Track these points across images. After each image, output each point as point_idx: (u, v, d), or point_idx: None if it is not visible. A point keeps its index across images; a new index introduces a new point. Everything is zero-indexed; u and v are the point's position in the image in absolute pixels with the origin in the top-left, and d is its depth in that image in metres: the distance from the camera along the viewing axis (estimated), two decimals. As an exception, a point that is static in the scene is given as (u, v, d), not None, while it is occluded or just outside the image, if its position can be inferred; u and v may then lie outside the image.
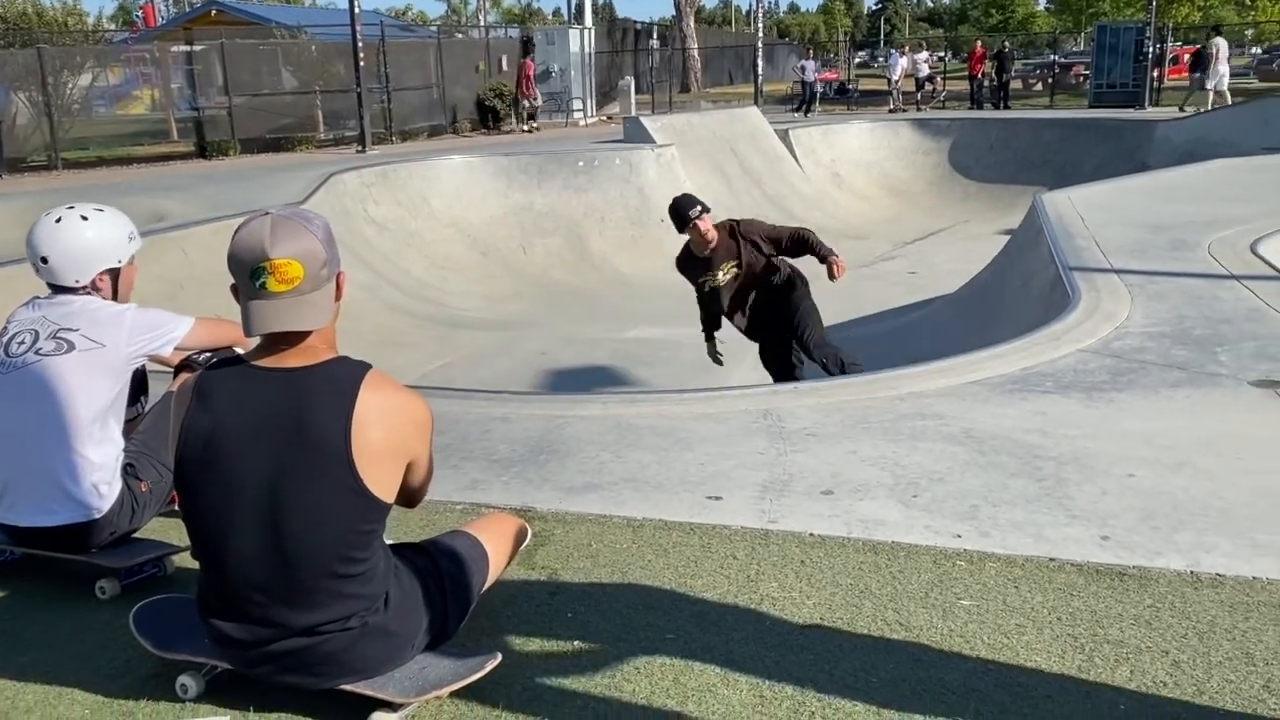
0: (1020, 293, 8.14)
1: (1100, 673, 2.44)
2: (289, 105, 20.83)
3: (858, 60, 56.13)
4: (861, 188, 21.72)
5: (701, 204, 6.19)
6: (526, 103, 24.45)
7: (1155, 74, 25.79)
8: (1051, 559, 3.01)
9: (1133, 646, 2.55)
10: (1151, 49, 24.60)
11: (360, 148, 18.76)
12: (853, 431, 4.19)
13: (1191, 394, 4.49)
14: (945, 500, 3.45)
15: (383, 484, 2.15)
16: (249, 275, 2.10)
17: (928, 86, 29.01)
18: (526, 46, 25.39)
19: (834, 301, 13.03)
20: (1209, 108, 21.64)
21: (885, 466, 3.77)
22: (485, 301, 13.10)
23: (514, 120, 24.63)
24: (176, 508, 2.48)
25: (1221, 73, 22.12)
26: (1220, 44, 22.37)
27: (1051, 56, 38.00)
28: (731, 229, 6.27)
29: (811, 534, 3.24)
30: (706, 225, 6.15)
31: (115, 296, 3.20)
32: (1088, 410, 4.34)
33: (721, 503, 3.51)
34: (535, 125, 24.24)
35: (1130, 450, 3.84)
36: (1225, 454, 3.79)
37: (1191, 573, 2.91)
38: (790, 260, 6.46)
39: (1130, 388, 4.60)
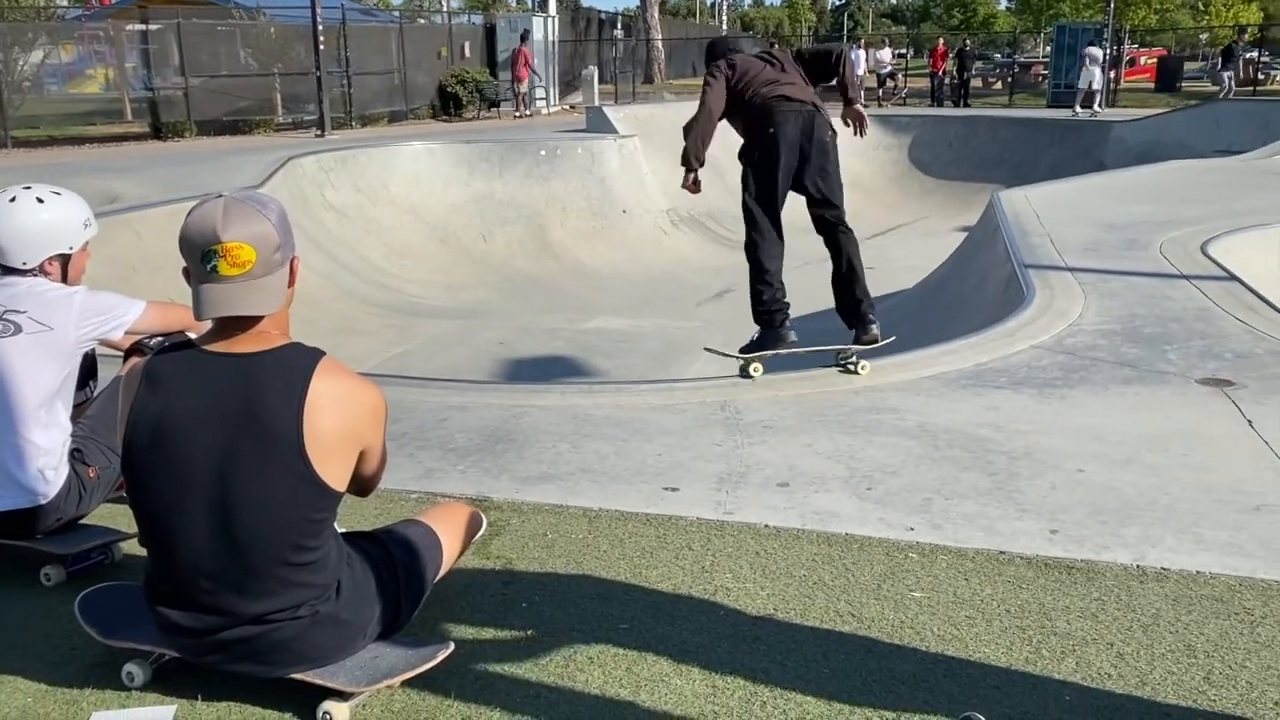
0: (976, 289, 8.23)
1: (1047, 664, 2.48)
2: (247, 87, 20.53)
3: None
4: (822, 182, 21.83)
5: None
6: (520, 87, 24.66)
7: (1112, 75, 26.14)
8: (1002, 552, 3.05)
9: (1079, 638, 2.60)
10: (1108, 50, 24.91)
11: (319, 132, 18.54)
12: (809, 424, 4.21)
13: (1141, 391, 4.57)
14: (899, 493, 3.49)
15: (335, 472, 2.13)
16: (200, 258, 2.07)
17: (889, 83, 29.22)
18: (524, 37, 25.65)
19: (792, 294, 13.16)
20: (1096, 108, 22.92)
21: (840, 460, 3.80)
22: (444, 290, 13.01)
23: (516, 105, 24.87)
24: (125, 494, 2.44)
25: (1094, 75, 23.37)
26: (1094, 51, 23.78)
27: (1011, 56, 38.42)
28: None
29: (767, 526, 3.26)
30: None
31: (64, 281, 3.14)
32: (1040, 406, 4.40)
33: (678, 494, 3.52)
34: (529, 111, 24.34)
35: (1080, 446, 3.90)
36: (1172, 451, 3.86)
37: (1137, 566, 2.96)
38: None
39: (1082, 384, 4.67)
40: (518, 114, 24.29)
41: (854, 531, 3.20)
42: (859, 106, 5.64)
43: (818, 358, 5.23)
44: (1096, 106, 23.01)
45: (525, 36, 25.60)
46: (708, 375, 8.40)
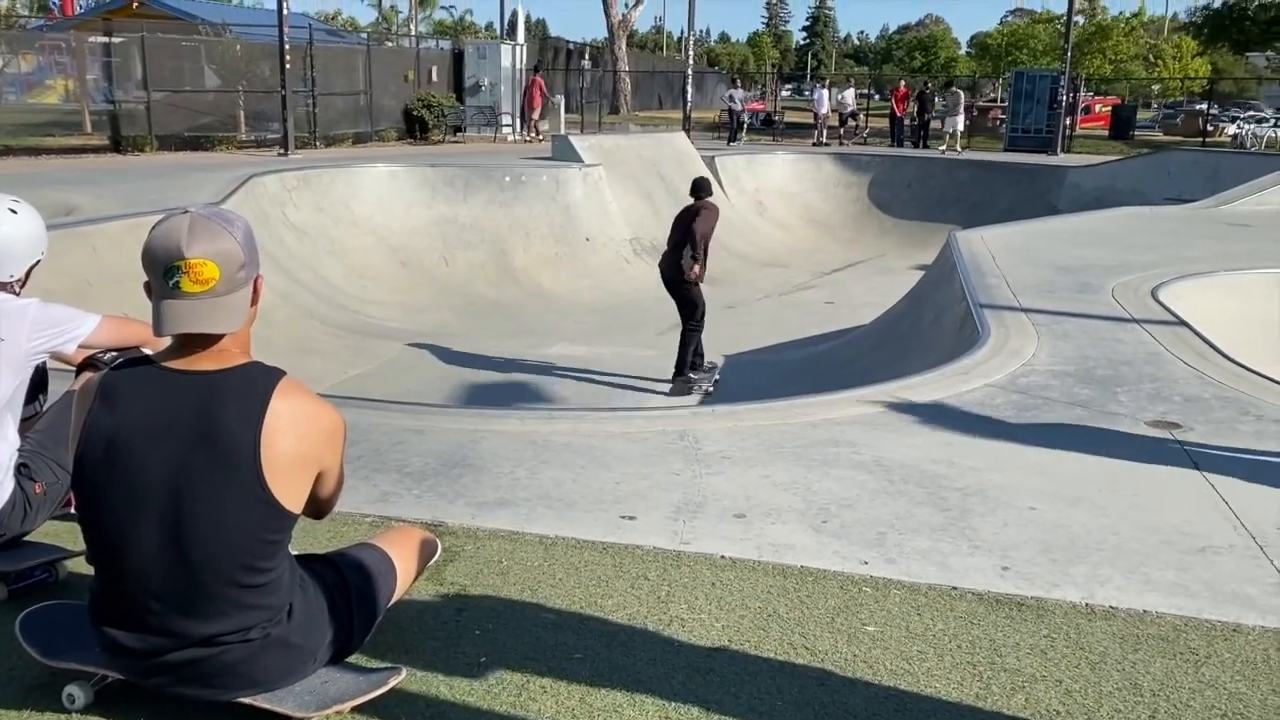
0: (932, 327, 8.33)
1: (997, 700, 2.50)
2: (211, 104, 20.39)
3: (785, 92, 57.08)
4: (783, 218, 22.04)
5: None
6: (534, 114, 25.40)
7: (1068, 121, 26.70)
8: (954, 588, 3.08)
9: (1028, 675, 2.62)
10: (1065, 97, 25.47)
11: (282, 151, 18.42)
12: (767, 456, 4.23)
13: (1092, 432, 4.64)
14: (854, 527, 3.51)
15: (291, 493, 2.11)
16: (163, 274, 2.05)
17: (851, 122, 29.62)
18: (537, 67, 26.66)
19: (753, 327, 13.32)
20: (958, 149, 25.22)
21: (797, 492, 3.82)
22: (403, 312, 12.94)
23: (526, 129, 25.53)
24: (72, 511, 2.39)
25: (958, 120, 25.96)
26: (960, 95, 26.68)
27: (970, 99, 39.07)
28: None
29: (723, 556, 3.26)
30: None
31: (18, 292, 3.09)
32: (993, 444, 4.45)
33: (635, 523, 3.51)
34: (539, 136, 24.85)
35: (1032, 484, 3.95)
36: (1121, 491, 3.92)
37: (1086, 604, 3.00)
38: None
39: (1034, 423, 4.74)
40: (528, 138, 24.90)
41: (809, 564, 3.21)
42: (692, 270, 9.32)
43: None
44: (958, 146, 25.47)
45: (538, 68, 26.84)
46: (668, 405, 8.43)
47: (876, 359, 8.93)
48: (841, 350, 10.47)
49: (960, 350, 6.19)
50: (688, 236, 9.30)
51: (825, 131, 28.21)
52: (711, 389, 9.49)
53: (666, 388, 9.48)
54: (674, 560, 3.23)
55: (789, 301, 15.50)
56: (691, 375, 9.55)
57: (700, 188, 9.63)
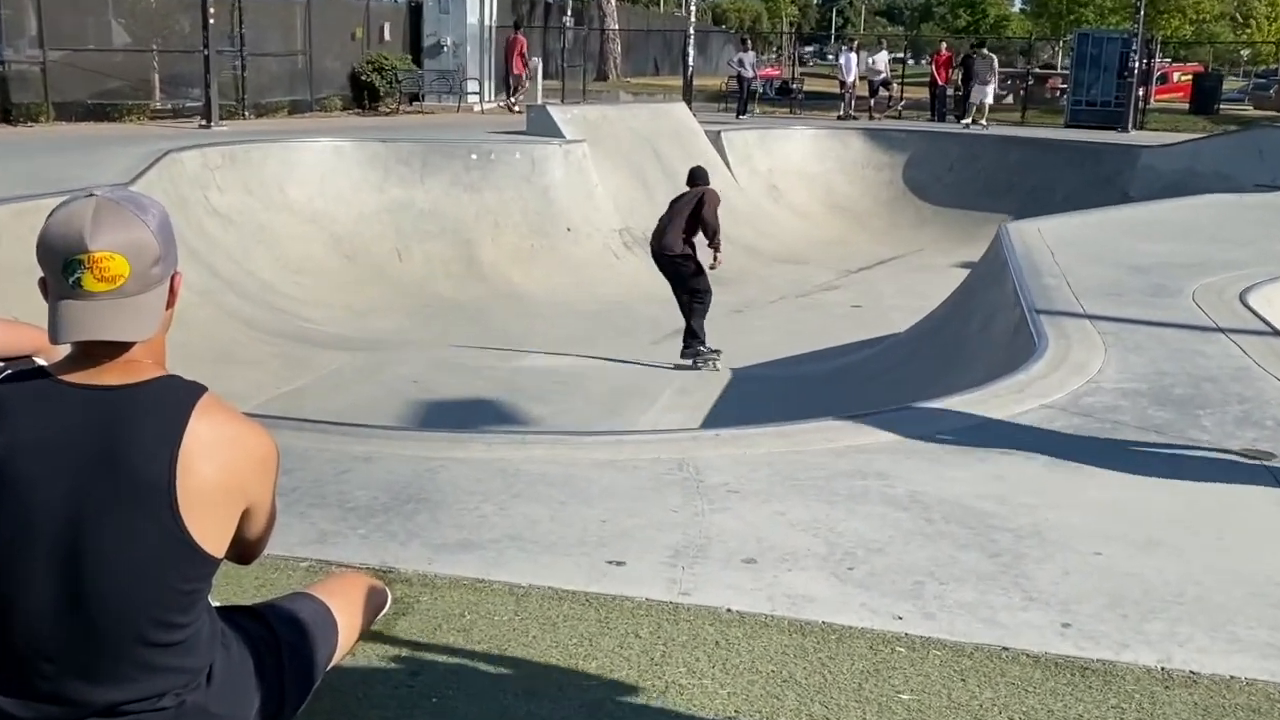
0: (979, 336, 8.35)
1: (1056, 783, 2.50)
2: (119, 65, 20.35)
3: (804, 55, 57.31)
4: (802, 204, 22.12)
5: None
6: (523, 79, 25.69)
7: (1141, 92, 26.85)
8: (1005, 648, 3.08)
9: (1094, 753, 2.62)
10: (1138, 64, 25.61)
11: (205, 122, 18.41)
12: (782, 489, 4.23)
13: (1168, 462, 4.65)
14: (885, 574, 3.51)
15: (212, 533, 2.10)
16: (62, 269, 2.04)
17: (883, 92, 29.74)
18: (518, 25, 26.85)
19: (765, 335, 13.35)
20: (984, 123, 25.24)
21: (818, 532, 3.82)
22: (348, 314, 12.94)
23: (508, 94, 25.78)
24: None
25: (986, 90, 25.87)
26: (991, 59, 26.78)
27: (1025, 66, 39.32)
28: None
29: (729, 610, 3.25)
30: None
31: None
32: (1051, 476, 4.46)
33: (624, 569, 3.51)
34: (515, 104, 25.02)
35: (1098, 524, 3.96)
36: (1204, 532, 3.92)
37: (1162, 669, 3.00)
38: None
39: (1100, 452, 4.74)
40: (516, 107, 24.96)
41: (832, 619, 3.21)
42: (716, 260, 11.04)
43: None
44: (984, 120, 25.53)
45: (519, 25, 27.05)
46: (663, 427, 8.43)
47: (912, 374, 8.95)
48: (871, 363, 10.49)
49: (1013, 364, 6.20)
50: (695, 223, 10.63)
51: (853, 103, 28.31)
52: (718, 368, 11.00)
53: (661, 407, 9.49)
54: (671, 614, 3.23)
55: (808, 304, 15.53)
56: (702, 348, 11.05)
57: (698, 176, 11.14)
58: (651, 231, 11.41)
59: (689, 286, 10.99)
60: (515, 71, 25.96)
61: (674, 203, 11.14)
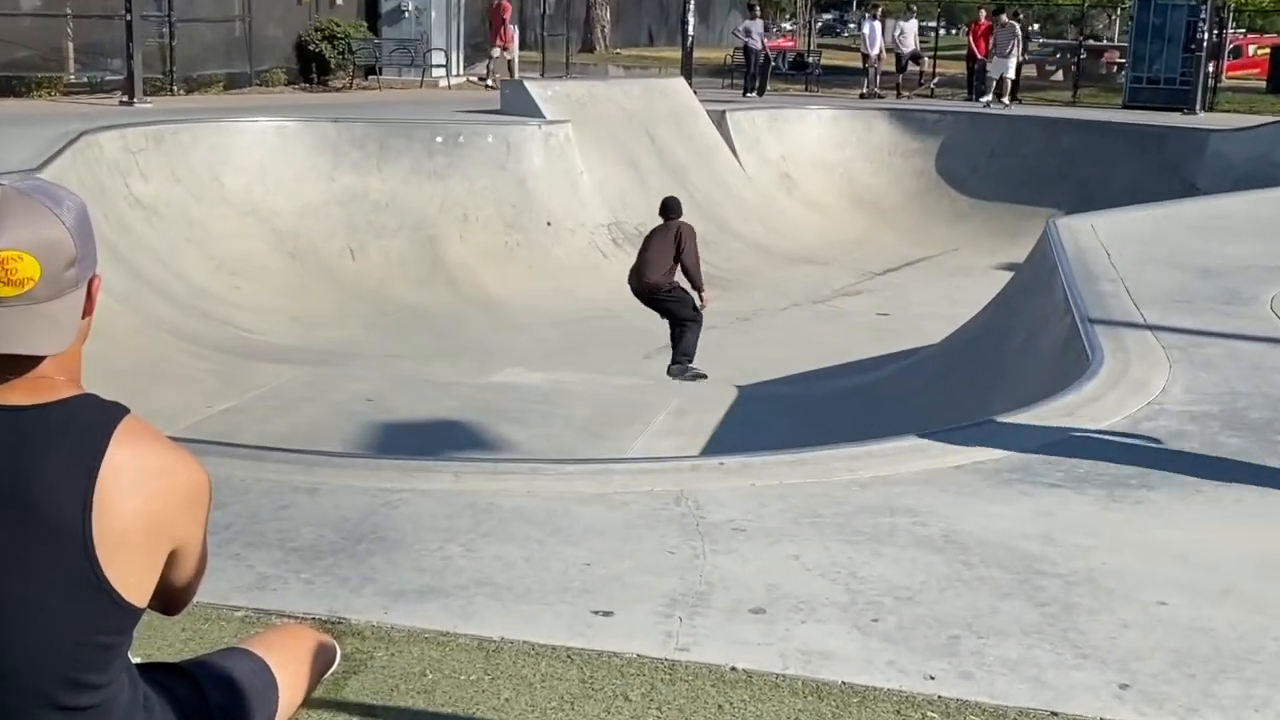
0: (1023, 351, 8.37)
1: None
2: (26, 32, 20.35)
3: (821, 25, 57.48)
4: (819, 196, 22.17)
5: None
6: (497, 51, 25.91)
7: (1211, 68, 26.93)
8: (1054, 713, 3.07)
9: (1157, 836, 2.62)
10: (1207, 35, 25.70)
11: (127, 98, 18.40)
12: (796, 527, 4.23)
13: (1244, 497, 4.65)
14: (916, 627, 3.50)
15: (133, 579, 2.09)
16: (-42, 271, 2.04)
17: (913, 67, 29.84)
18: None
19: (776, 348, 13.36)
20: (1006, 101, 25.32)
21: (838, 578, 3.82)
22: (292, 322, 12.93)
23: (488, 72, 25.80)
24: None
25: (1008, 63, 25.67)
26: (1013, 26, 26.43)
27: (1077, 37, 39.48)
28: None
29: (734, 669, 3.25)
30: None
31: None
32: (1107, 513, 4.46)
33: (613, 620, 3.50)
34: (490, 83, 25.06)
35: (1161, 569, 3.96)
36: (1284, 579, 3.93)
37: (1236, 737, 3.00)
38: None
39: (1165, 484, 4.75)
40: (490, 83, 25.11)
41: (854, 679, 3.20)
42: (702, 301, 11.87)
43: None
44: (1005, 99, 25.54)
45: None
46: (658, 454, 8.43)
47: (946, 394, 8.96)
48: (897, 381, 10.50)
49: (1063, 382, 6.20)
50: (676, 259, 11.59)
51: (877, 79, 28.41)
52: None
53: (655, 431, 9.49)
54: (666, 673, 3.22)
55: (826, 312, 15.56)
56: (690, 366, 11.64)
57: (671, 207, 11.95)
58: (630, 268, 12.12)
59: (680, 318, 11.80)
60: (503, 41, 26.07)
61: (649, 238, 12.09)
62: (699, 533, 4.16)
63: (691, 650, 3.34)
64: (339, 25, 25.21)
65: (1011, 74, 26.01)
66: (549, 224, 16.72)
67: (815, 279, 17.52)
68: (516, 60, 26.92)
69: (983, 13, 29.65)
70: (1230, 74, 33.50)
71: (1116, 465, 4.95)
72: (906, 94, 28.16)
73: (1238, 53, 37.93)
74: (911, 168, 22.85)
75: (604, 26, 41.68)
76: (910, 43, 29.83)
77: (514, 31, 26.41)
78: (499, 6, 25.84)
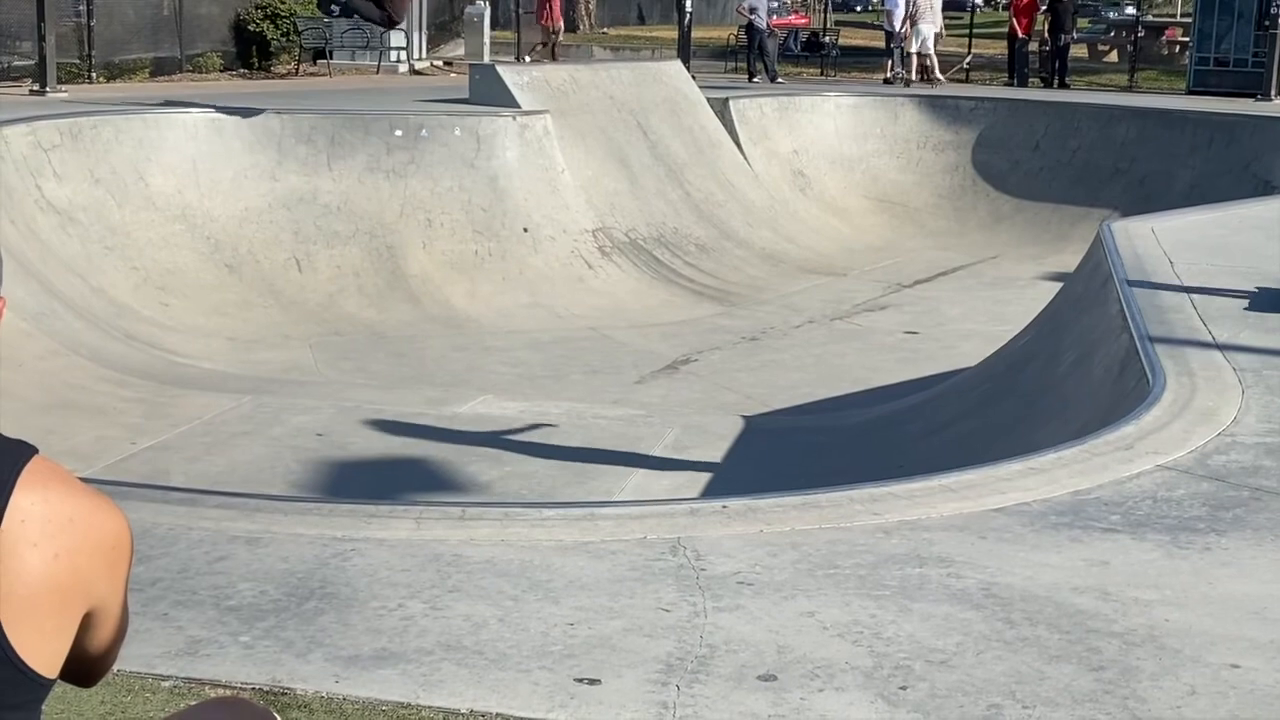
0: (1074, 374, 8.37)
1: None
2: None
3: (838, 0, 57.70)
4: (838, 197, 22.19)
5: None
6: (555, 27, 27.11)
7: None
8: (1111, 795, 3.07)
9: None
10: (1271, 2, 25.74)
11: (38, 87, 18.43)
12: (811, 580, 4.22)
13: (1328, 542, 4.66)
14: (951, 696, 3.50)
15: (42, 646, 2.08)
16: None
17: (941, 46, 29.89)
18: None
19: (790, 372, 13.34)
20: (939, 77, 25.79)
21: (860, 639, 3.81)
22: (230, 345, 12.91)
23: (535, 49, 26.74)
24: None
25: (924, 33, 26.06)
26: None
27: (1132, 12, 39.64)
28: None
29: (740, 744, 3.25)
30: None
31: None
32: (1171, 562, 4.46)
33: (599, 689, 3.50)
34: (537, 57, 25.90)
35: (1234, 627, 3.96)
36: (1376, 637, 3.93)
37: (1322, 822, 3.00)
38: None
39: (1237, 528, 4.75)
40: (529, 57, 26.02)
41: (879, 757, 3.20)
42: None
43: None
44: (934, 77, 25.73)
45: None
46: (651, 496, 8.42)
47: (985, 425, 8.95)
48: (929, 410, 10.50)
49: (1119, 411, 6.21)
50: None
51: (904, 61, 28.48)
52: None
53: (649, 469, 9.47)
54: (661, 750, 3.22)
55: (846, 330, 15.56)
56: None
57: None
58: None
59: None
60: (554, 19, 27.21)
61: None
62: (699, 587, 4.15)
63: (691, 724, 3.34)
64: (283, 2, 25.24)
65: (932, 41, 26.24)
66: (525, 230, 16.70)
67: (833, 292, 17.53)
68: (469, 41, 27.17)
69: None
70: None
71: (1181, 507, 4.95)
72: (938, 78, 28.21)
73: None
74: (944, 163, 22.86)
75: (589, 2, 41.83)
76: (939, 19, 29.87)
77: (472, 6, 26.73)
78: None
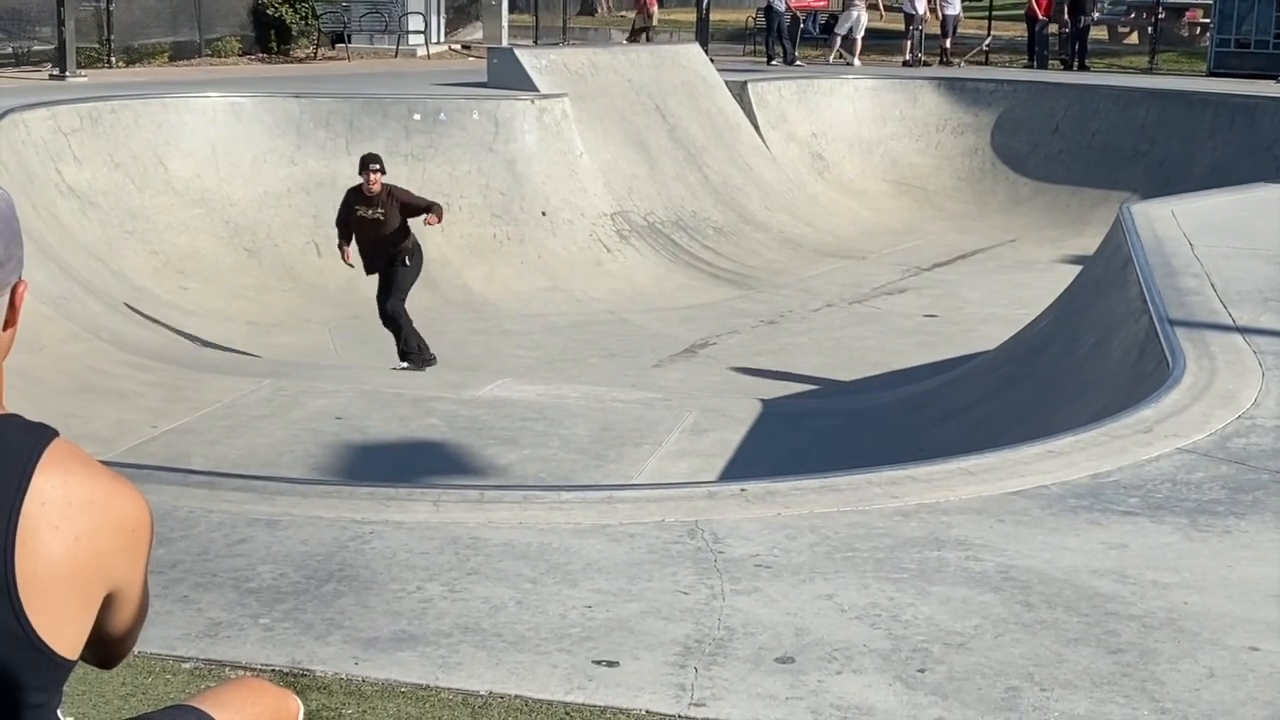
0: (1093, 357, 8.35)
1: None
2: (-60, -3, 20.45)
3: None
4: (856, 180, 22.15)
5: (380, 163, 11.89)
6: (641, 19, 27.43)
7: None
8: (1129, 777, 3.07)
9: None
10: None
11: (58, 71, 18.45)
12: (829, 564, 4.22)
13: (1348, 525, 4.64)
14: (969, 678, 3.50)
15: (63, 628, 2.09)
16: None
17: (961, 28, 29.74)
18: None
19: (808, 356, 13.32)
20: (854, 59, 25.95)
21: (878, 622, 3.81)
22: (249, 328, 12.93)
23: (635, 35, 27.06)
24: None
25: (855, 18, 26.52)
26: None
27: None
28: (390, 189, 11.87)
29: (758, 727, 3.25)
30: (375, 180, 11.68)
31: None
32: (1190, 545, 4.45)
33: (617, 671, 3.50)
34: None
35: (1253, 610, 3.95)
36: (1396, 620, 3.92)
37: (1341, 805, 2.99)
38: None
39: (1257, 511, 4.73)
40: (628, 38, 26.65)
41: (897, 739, 3.20)
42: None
43: None
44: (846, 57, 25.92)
45: None
46: (669, 479, 8.43)
47: (1004, 408, 8.94)
48: (948, 393, 10.48)
49: (1138, 394, 6.19)
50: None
51: (923, 43, 28.38)
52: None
53: (667, 452, 9.48)
54: (680, 732, 3.22)
55: (864, 314, 15.54)
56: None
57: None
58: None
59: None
60: (648, 6, 27.38)
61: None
62: (717, 570, 4.15)
63: (708, 705, 3.34)
64: (301, -14, 25.25)
65: (861, 31, 26.46)
66: (543, 213, 16.71)
67: (852, 276, 17.50)
68: (488, 24, 27.23)
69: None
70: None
71: (1200, 490, 4.94)
72: (956, 60, 28.11)
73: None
74: (963, 146, 22.80)
75: (607, -15, 41.70)
76: (955, 3, 29.75)
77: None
78: None
